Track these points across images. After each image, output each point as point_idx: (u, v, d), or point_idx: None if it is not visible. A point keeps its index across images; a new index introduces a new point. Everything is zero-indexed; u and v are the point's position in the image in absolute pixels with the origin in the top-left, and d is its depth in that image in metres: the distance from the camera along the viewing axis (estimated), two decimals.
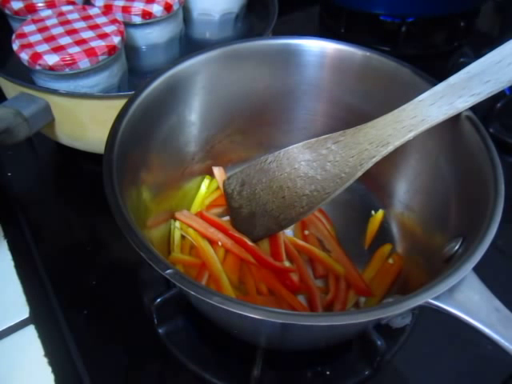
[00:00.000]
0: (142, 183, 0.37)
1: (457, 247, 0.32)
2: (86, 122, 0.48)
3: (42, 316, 0.40)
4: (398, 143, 0.33)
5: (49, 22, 0.49)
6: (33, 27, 0.48)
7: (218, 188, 0.48)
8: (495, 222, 0.28)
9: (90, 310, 0.41)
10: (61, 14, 0.50)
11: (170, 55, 0.59)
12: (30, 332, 0.39)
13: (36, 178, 0.55)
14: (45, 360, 0.37)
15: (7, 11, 0.52)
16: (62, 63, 0.44)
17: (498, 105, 0.55)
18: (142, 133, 0.37)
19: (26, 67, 0.46)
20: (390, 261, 0.42)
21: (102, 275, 0.44)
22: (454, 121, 0.35)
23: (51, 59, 0.44)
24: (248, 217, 0.42)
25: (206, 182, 0.48)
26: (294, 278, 0.40)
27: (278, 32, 0.53)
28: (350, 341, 0.39)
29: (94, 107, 0.46)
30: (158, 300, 0.37)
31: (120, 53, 0.49)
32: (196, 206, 0.47)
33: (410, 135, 0.33)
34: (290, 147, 0.39)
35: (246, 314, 0.24)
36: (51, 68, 0.44)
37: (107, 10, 0.52)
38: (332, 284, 0.41)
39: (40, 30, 0.47)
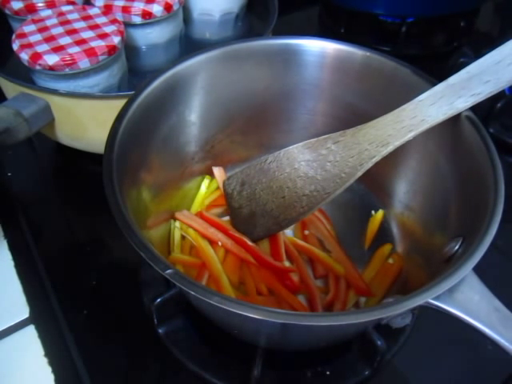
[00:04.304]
0: (141, 183, 0.37)
1: (457, 247, 0.32)
2: (86, 122, 0.48)
3: (42, 316, 0.40)
4: (398, 143, 0.33)
5: (49, 22, 0.49)
6: (33, 27, 0.48)
7: (218, 188, 0.48)
8: (495, 221, 0.28)
9: (90, 309, 0.41)
10: (61, 13, 0.50)
11: (170, 55, 0.59)
12: (30, 332, 0.39)
13: (36, 177, 0.55)
14: (45, 360, 0.37)
15: (7, 11, 0.52)
16: (62, 63, 0.44)
17: (498, 105, 0.55)
18: (141, 133, 0.37)
19: (26, 67, 0.46)
20: (390, 261, 0.42)
21: (102, 275, 0.44)
22: (454, 121, 0.35)
23: (51, 59, 0.44)
24: (248, 217, 0.42)
25: (205, 181, 0.48)
26: (294, 278, 0.40)
27: (278, 32, 0.53)
28: (350, 341, 0.39)
29: (93, 107, 0.46)
30: (158, 300, 0.37)
31: (120, 53, 0.49)
32: (196, 206, 0.47)
33: (410, 135, 0.33)
34: (290, 147, 0.39)
35: (246, 313, 0.24)
36: (51, 68, 0.44)
37: (107, 10, 0.52)
38: (332, 284, 0.41)
39: (40, 30, 0.47)
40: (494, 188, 0.30)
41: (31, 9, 0.52)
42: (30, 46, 0.45)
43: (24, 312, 0.40)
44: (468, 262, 0.27)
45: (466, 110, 0.33)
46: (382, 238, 0.44)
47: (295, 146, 0.39)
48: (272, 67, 0.44)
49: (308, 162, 0.38)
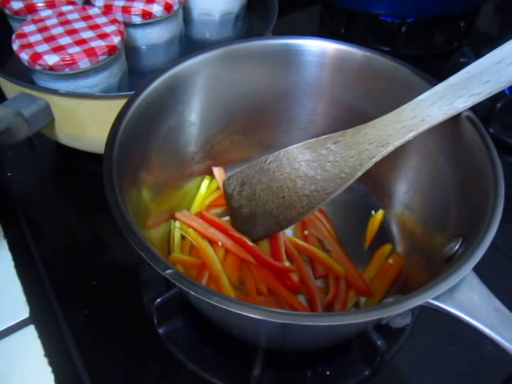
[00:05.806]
0: (142, 183, 0.37)
1: (457, 247, 0.32)
2: (86, 122, 0.48)
3: (42, 316, 0.40)
4: (397, 143, 0.33)
5: (49, 22, 0.49)
6: (33, 27, 0.48)
7: (218, 188, 0.48)
8: (495, 221, 0.28)
9: (90, 309, 0.41)
10: (61, 13, 0.50)
11: (170, 55, 0.59)
12: (30, 332, 0.39)
13: (36, 178, 0.55)
14: (45, 360, 0.37)
15: (7, 11, 0.52)
16: (61, 63, 0.44)
17: (498, 105, 0.55)
18: (141, 133, 0.37)
19: (26, 67, 0.46)
20: (390, 261, 0.42)
21: (102, 275, 0.44)
22: (454, 121, 0.35)
23: (51, 59, 0.44)
24: (248, 217, 0.42)
25: (205, 181, 0.48)
26: (294, 278, 0.40)
27: (278, 32, 0.53)
28: (350, 341, 0.39)
29: (94, 107, 0.46)
30: (158, 300, 0.37)
31: (120, 53, 0.49)
32: (196, 206, 0.47)
33: (410, 135, 0.33)
34: (290, 147, 0.39)
35: (246, 313, 0.24)
36: (51, 68, 0.44)
37: (107, 9, 0.52)
38: (332, 284, 0.41)
39: (40, 30, 0.47)
40: (494, 188, 0.30)
41: (31, 9, 0.52)
42: (30, 45, 0.45)
43: (24, 312, 0.40)
44: (468, 261, 0.27)
45: (466, 110, 0.33)
46: (382, 238, 0.44)
47: (295, 146, 0.39)
48: (272, 67, 0.44)
49: (308, 162, 0.38)
